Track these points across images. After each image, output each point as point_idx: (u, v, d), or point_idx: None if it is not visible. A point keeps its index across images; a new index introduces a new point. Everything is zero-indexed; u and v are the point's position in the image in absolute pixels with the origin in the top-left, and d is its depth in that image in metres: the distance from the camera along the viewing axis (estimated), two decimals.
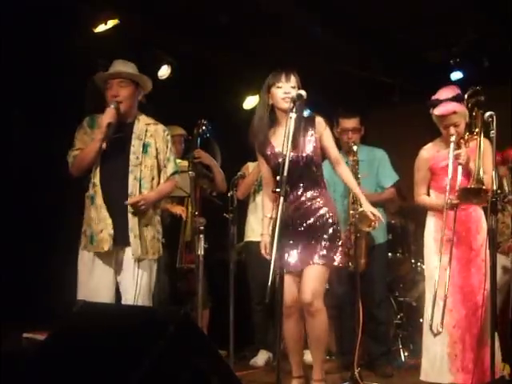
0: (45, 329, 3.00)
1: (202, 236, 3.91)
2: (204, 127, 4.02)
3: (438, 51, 6.05)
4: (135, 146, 3.72)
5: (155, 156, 3.77)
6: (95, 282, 3.66)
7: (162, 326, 2.41)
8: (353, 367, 4.12)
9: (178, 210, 4.71)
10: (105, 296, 3.63)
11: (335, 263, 3.57)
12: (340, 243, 3.61)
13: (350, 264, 4.41)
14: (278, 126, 3.64)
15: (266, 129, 3.64)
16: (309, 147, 3.59)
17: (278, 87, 3.55)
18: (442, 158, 3.87)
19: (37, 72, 4.67)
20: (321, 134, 3.63)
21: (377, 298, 4.65)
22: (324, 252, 3.54)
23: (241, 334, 4.33)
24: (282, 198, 2.96)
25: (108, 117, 3.64)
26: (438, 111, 3.79)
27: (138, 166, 3.69)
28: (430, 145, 4.01)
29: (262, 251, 3.64)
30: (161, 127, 3.84)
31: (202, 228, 3.92)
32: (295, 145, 3.49)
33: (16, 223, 4.67)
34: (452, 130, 3.77)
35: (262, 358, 4.94)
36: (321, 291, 3.57)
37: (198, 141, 4.05)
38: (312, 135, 3.61)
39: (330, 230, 3.59)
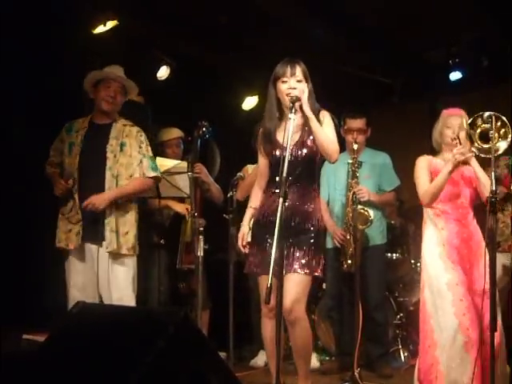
0: (44, 330, 3.00)
1: (201, 237, 3.91)
2: (204, 129, 4.02)
3: (438, 51, 6.05)
4: (113, 145, 3.91)
5: (129, 155, 3.93)
6: (75, 280, 3.82)
7: (162, 327, 2.41)
8: (353, 368, 4.14)
9: (181, 208, 4.69)
10: (90, 294, 3.76)
11: (316, 274, 3.35)
12: (322, 253, 3.42)
13: (344, 264, 4.43)
14: (283, 119, 3.44)
15: (275, 121, 3.47)
16: (308, 143, 3.41)
17: (283, 81, 3.38)
18: (441, 166, 3.70)
19: (36, 72, 4.67)
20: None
21: (374, 299, 4.62)
22: (306, 260, 3.32)
23: (240, 335, 4.33)
24: (281, 199, 2.93)
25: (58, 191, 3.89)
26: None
27: (115, 164, 3.87)
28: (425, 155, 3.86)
29: (239, 242, 3.51)
30: (135, 128, 4.01)
31: (201, 229, 3.92)
32: (295, 141, 3.38)
33: (16, 223, 4.66)
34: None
35: (261, 358, 4.93)
36: (301, 300, 3.34)
37: (199, 142, 4.05)
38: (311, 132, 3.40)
39: (315, 237, 3.38)
